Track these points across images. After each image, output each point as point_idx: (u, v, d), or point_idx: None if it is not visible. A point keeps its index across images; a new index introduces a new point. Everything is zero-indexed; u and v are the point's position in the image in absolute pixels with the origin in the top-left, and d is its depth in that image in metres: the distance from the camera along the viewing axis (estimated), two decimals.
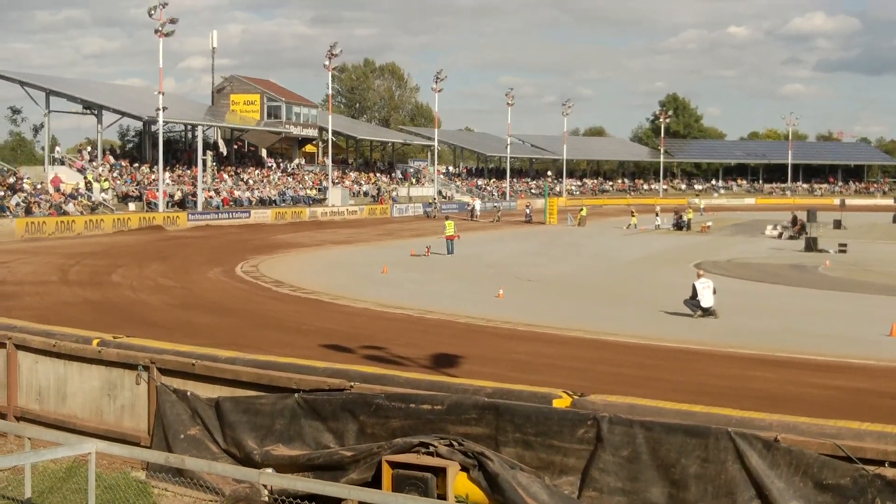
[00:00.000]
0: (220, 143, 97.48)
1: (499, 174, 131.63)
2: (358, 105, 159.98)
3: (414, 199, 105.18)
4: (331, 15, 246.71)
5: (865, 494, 9.45)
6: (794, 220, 71.24)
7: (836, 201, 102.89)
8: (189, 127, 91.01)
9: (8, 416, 15.59)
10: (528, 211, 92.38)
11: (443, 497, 10.72)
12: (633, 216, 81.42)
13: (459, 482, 10.91)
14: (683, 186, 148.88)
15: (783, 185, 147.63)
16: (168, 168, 78.09)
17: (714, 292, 29.02)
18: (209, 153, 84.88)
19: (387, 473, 11.22)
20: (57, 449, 10.76)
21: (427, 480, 10.90)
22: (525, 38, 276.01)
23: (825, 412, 13.47)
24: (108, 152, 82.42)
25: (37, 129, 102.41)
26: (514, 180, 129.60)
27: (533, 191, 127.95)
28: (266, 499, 10.69)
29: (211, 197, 78.46)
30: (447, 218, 57.84)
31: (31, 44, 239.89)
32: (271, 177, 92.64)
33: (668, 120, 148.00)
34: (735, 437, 9.98)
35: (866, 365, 22.20)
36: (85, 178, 71.27)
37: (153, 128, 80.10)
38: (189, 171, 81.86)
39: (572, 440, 10.83)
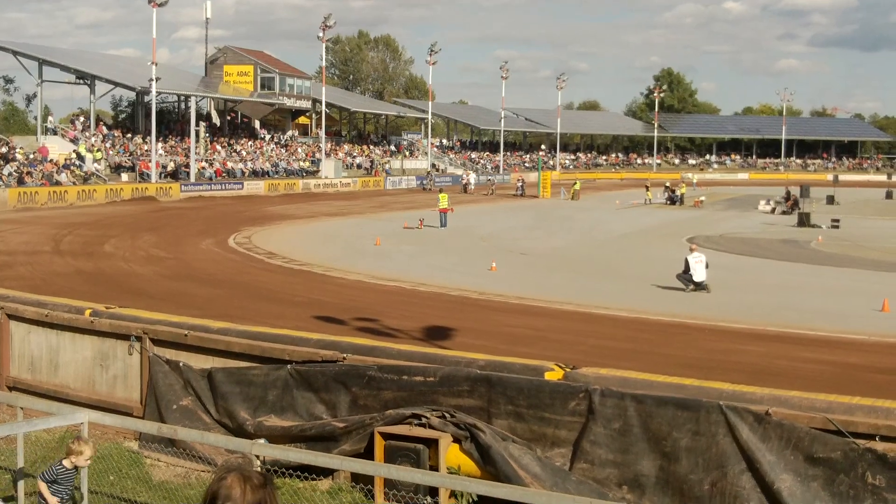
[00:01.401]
0: (214, 115, 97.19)
1: (492, 147, 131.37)
2: (352, 77, 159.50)
3: (407, 172, 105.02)
4: None
5: (856, 468, 9.50)
6: (788, 196, 71.30)
7: (830, 177, 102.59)
8: (182, 98, 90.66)
9: (0, 386, 15.60)
10: (520, 185, 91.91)
11: (435, 468, 10.76)
12: (647, 191, 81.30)
13: (451, 454, 10.96)
14: (677, 161, 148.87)
15: (777, 161, 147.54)
16: (161, 139, 77.82)
17: (706, 266, 29.05)
18: (202, 124, 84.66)
19: (379, 445, 11.25)
20: (49, 419, 10.76)
21: (419, 452, 10.94)
22: (521, 12, 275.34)
23: (816, 386, 13.51)
24: (100, 122, 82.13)
25: (29, 99, 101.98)
26: (508, 154, 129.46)
27: (526, 164, 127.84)
28: (258, 469, 10.70)
29: (204, 168, 78.26)
30: (441, 191, 57.78)
31: (26, 13, 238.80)
32: (264, 148, 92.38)
33: (662, 94, 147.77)
34: (726, 411, 10.01)
35: (858, 340, 22.25)
36: (76, 148, 70.98)
37: (146, 98, 79.81)
38: (182, 142, 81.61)
39: (564, 412, 10.87)
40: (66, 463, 9.97)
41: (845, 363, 19.79)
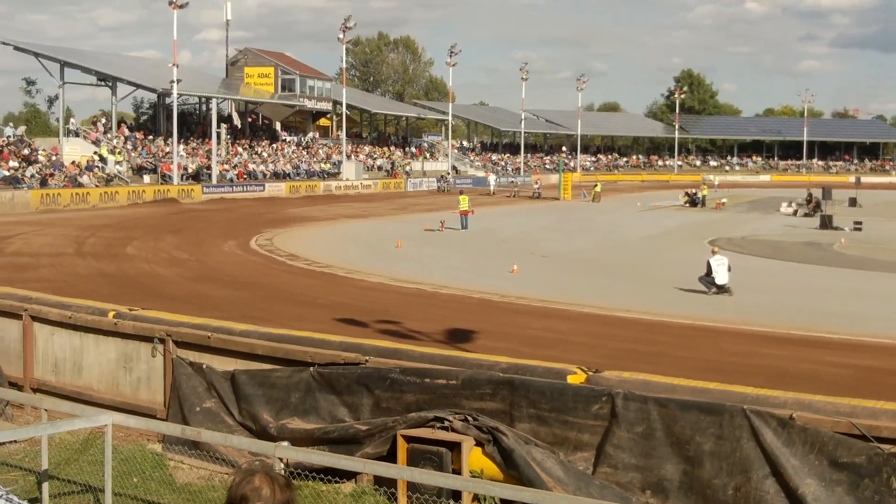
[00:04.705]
0: (235, 116, 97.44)
1: (513, 149, 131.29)
2: (372, 79, 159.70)
3: (428, 174, 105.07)
4: None
5: (880, 473, 9.45)
6: (810, 198, 71.02)
7: (852, 179, 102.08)
8: (203, 99, 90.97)
9: (24, 388, 15.67)
10: (536, 187, 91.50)
11: (458, 472, 10.75)
12: (686, 196, 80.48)
13: (474, 457, 10.94)
14: (698, 163, 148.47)
15: (798, 162, 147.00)
16: (182, 141, 78.10)
17: (729, 269, 28.97)
18: (223, 126, 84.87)
19: (402, 448, 11.25)
20: (74, 421, 10.79)
21: (442, 455, 10.92)
22: (541, 12, 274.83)
23: (839, 390, 13.45)
24: (122, 124, 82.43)
25: (51, 101, 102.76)
26: (529, 155, 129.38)
27: (547, 166, 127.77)
28: (281, 472, 10.71)
29: (225, 170, 78.51)
30: (461, 192, 57.78)
31: (48, 15, 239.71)
32: (285, 150, 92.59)
33: (683, 96, 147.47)
34: (750, 415, 9.97)
35: (881, 343, 22.14)
36: (98, 150, 71.22)
37: (167, 100, 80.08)
38: (203, 144, 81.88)
39: (587, 416, 10.84)
40: None
41: (868, 367, 19.71)
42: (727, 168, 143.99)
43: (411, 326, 22.22)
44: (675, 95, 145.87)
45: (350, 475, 11.59)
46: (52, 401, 13.26)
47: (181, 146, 76.38)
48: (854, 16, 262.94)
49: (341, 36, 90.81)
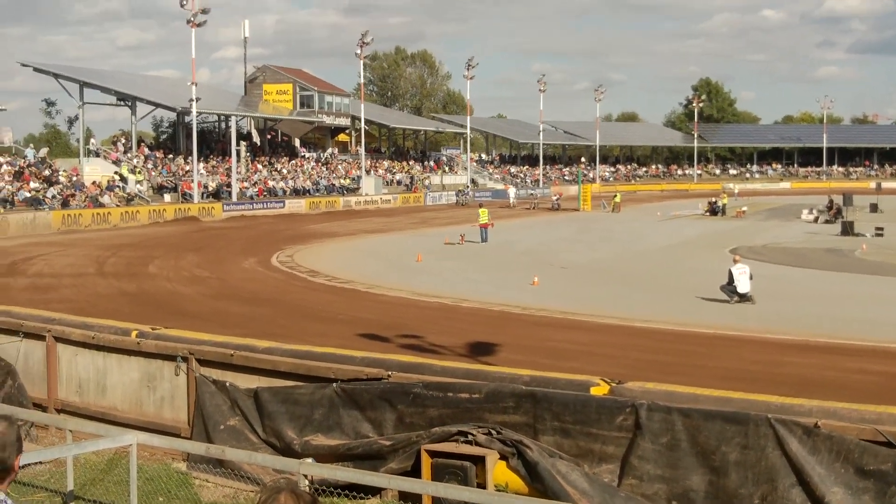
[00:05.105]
0: (254, 133, 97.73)
1: (532, 161, 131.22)
2: (390, 93, 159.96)
3: (447, 188, 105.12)
4: (364, 4, 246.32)
5: None
6: (830, 204, 70.75)
7: (873, 184, 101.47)
8: (222, 117, 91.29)
9: (49, 409, 15.70)
10: (555, 199, 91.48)
11: (482, 486, 10.73)
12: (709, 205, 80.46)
13: (499, 470, 10.92)
14: (718, 171, 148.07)
15: (818, 169, 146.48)
16: (202, 159, 78.35)
17: (751, 278, 28.88)
18: (243, 143, 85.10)
19: (426, 462, 11.23)
20: (98, 441, 10.82)
21: (466, 469, 10.90)
22: (557, 24, 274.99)
23: (864, 397, 13.38)
24: (142, 144, 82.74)
25: (71, 122, 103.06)
26: (548, 167, 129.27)
27: (566, 177, 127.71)
28: (307, 488, 10.71)
29: (245, 187, 78.70)
30: (481, 206, 57.74)
31: (66, 35, 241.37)
32: (305, 166, 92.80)
33: (701, 104, 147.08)
34: (775, 424, 9.93)
35: None
36: (119, 170, 71.50)
37: (187, 118, 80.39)
38: (223, 162, 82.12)
39: (611, 428, 10.81)
40: None
41: (893, 373, 19.60)
42: (747, 176, 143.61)
43: (433, 340, 22.22)
44: (694, 104, 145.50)
45: (375, 491, 11.57)
46: (76, 421, 13.31)
47: (201, 164, 76.61)
48: (871, 21, 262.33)
49: (359, 51, 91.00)
